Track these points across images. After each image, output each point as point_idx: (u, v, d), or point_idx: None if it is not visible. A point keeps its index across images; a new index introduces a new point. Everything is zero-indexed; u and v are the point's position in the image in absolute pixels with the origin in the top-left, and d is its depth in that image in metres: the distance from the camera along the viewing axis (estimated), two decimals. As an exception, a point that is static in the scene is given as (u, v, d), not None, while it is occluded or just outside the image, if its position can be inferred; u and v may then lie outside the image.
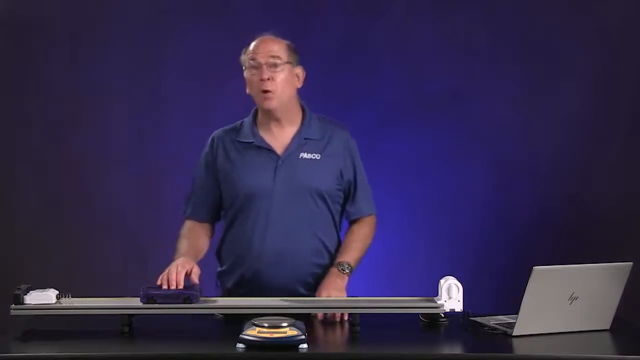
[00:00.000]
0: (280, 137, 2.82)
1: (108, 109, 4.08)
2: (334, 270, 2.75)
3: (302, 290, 2.77)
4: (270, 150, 2.80)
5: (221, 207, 2.88)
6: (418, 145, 4.05)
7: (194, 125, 4.07)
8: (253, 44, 2.80)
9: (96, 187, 4.08)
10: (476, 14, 4.04)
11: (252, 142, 2.81)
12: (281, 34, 2.83)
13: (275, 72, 2.75)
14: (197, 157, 4.02)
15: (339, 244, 2.87)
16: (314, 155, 2.80)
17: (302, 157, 2.79)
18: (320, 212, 2.80)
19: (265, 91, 2.74)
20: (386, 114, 4.04)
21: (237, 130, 2.87)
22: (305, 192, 2.77)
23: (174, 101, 4.10)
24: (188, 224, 2.88)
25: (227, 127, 2.91)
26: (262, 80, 2.74)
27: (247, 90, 2.83)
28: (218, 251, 2.89)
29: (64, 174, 4.09)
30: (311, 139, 2.82)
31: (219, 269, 2.89)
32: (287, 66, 2.77)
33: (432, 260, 3.97)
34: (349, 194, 2.87)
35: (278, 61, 2.75)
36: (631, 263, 2.42)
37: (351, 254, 2.80)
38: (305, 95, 3.87)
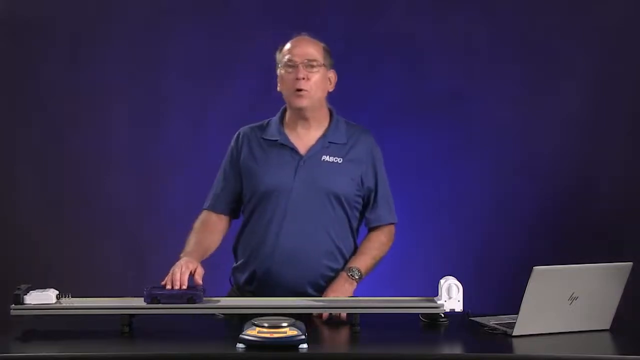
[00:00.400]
0: (305, 138, 2.84)
1: (108, 109, 4.08)
2: (343, 274, 2.76)
3: (311, 291, 2.77)
4: (293, 149, 2.82)
5: (241, 203, 2.90)
6: (418, 145, 4.05)
7: (194, 125, 4.08)
8: (290, 43, 2.83)
9: (96, 187, 4.08)
10: (476, 14, 4.04)
11: (277, 140, 2.83)
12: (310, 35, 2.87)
13: (311, 73, 2.78)
14: (197, 157, 4.04)
15: (356, 250, 2.88)
16: (335, 159, 2.82)
17: (324, 159, 2.81)
18: (336, 216, 2.81)
19: (299, 90, 2.76)
20: (386, 114, 4.04)
21: (263, 128, 2.90)
22: (323, 194, 2.78)
23: (174, 101, 4.10)
24: (203, 215, 2.90)
25: (253, 125, 2.93)
26: (297, 79, 2.76)
27: (279, 88, 2.85)
28: (234, 247, 2.90)
29: (64, 174, 4.09)
30: (336, 143, 2.84)
31: (234, 264, 2.90)
32: (322, 68, 2.80)
33: (432, 260, 3.97)
34: (368, 201, 2.89)
35: (314, 63, 2.78)
36: (631, 263, 2.42)
37: (363, 260, 2.81)
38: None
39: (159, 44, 4.09)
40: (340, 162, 2.82)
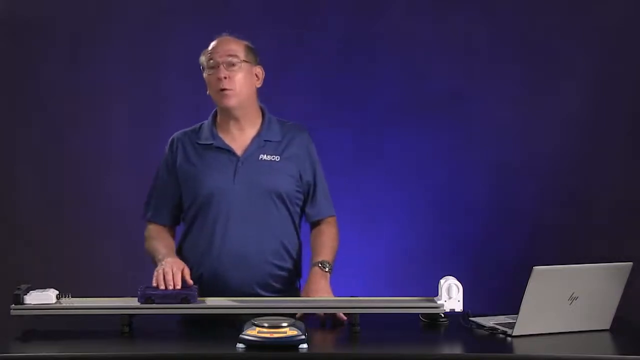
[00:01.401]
0: (239, 139, 2.82)
1: (108, 109, 4.08)
2: (317, 270, 2.73)
3: (260, 292, 2.75)
4: (229, 151, 2.80)
5: (181, 210, 2.86)
6: (418, 145, 4.05)
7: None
8: (211, 44, 2.81)
9: (96, 187, 4.08)
10: (476, 14, 4.04)
11: (212, 143, 2.82)
12: (243, 36, 2.84)
13: (233, 71, 2.75)
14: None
15: (300, 246, 2.87)
16: (273, 157, 2.80)
17: (261, 158, 2.79)
18: (279, 214, 2.80)
19: (223, 89, 2.75)
20: (386, 114, 4.04)
21: (196, 132, 2.87)
22: (264, 193, 2.77)
23: (174, 101, 4.10)
24: (151, 227, 2.88)
25: (187, 129, 2.90)
26: (219, 79, 2.74)
27: (207, 91, 2.83)
28: (178, 254, 2.84)
29: (64, 174, 4.09)
30: (271, 141, 2.82)
31: None
32: (245, 65, 2.77)
33: (432, 260, 3.97)
34: (308, 196, 2.88)
35: (235, 60, 2.76)
36: (631, 263, 2.42)
37: (328, 253, 2.79)
38: (305, 95, 3.88)
39: (159, 44, 4.09)
40: (277, 159, 2.80)
